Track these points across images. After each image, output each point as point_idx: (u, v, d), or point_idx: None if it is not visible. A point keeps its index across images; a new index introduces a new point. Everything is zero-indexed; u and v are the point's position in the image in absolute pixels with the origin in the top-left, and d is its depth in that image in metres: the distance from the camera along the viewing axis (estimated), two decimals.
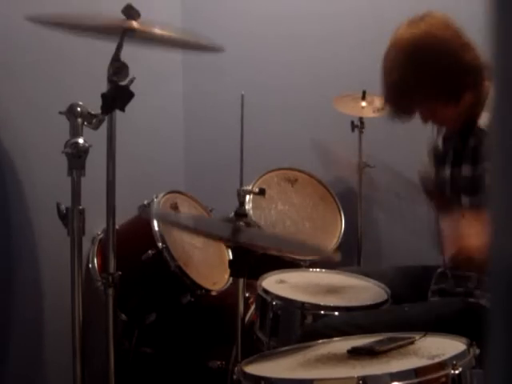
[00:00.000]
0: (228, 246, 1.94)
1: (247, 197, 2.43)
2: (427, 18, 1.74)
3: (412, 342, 1.42)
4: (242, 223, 1.61)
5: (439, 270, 1.93)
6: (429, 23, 1.73)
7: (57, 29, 1.72)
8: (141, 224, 2.34)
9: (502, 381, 0.45)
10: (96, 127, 1.64)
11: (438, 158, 1.95)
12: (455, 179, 1.85)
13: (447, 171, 1.89)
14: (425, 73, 1.72)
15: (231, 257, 1.57)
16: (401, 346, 1.40)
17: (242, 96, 1.70)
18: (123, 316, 2.24)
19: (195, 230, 1.88)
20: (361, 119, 2.84)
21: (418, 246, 2.91)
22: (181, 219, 2.03)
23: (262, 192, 2.03)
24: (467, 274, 1.83)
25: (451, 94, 1.73)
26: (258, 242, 1.59)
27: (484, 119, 1.72)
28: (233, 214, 1.74)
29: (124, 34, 1.61)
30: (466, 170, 1.79)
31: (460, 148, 1.83)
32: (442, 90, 1.74)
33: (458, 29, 1.74)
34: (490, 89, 1.67)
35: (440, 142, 1.95)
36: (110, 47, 1.66)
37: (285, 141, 3.18)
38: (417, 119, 2.04)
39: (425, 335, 1.46)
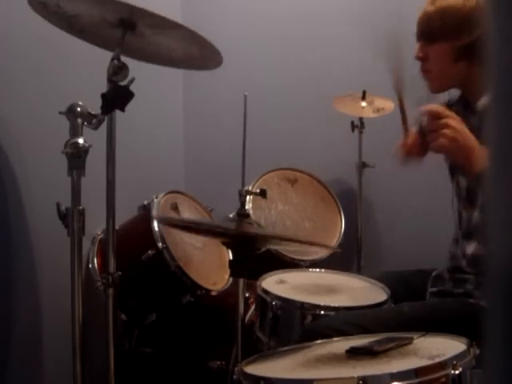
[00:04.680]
0: (228, 246, 1.93)
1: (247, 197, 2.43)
2: None
3: (412, 342, 1.42)
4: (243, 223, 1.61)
5: (435, 273, 1.92)
6: None
7: (57, 22, 1.71)
8: (141, 224, 2.34)
9: (500, 381, 0.45)
10: (96, 127, 1.64)
11: None
12: None
13: None
14: (459, 18, 1.74)
15: (231, 257, 1.57)
16: (400, 346, 1.40)
17: (245, 96, 1.69)
18: (123, 316, 2.24)
19: (198, 230, 1.87)
20: (361, 119, 2.85)
21: (418, 245, 2.92)
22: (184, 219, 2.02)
23: (263, 193, 2.03)
24: (465, 277, 1.83)
25: (460, 49, 1.75)
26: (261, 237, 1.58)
27: (483, 101, 1.71)
28: (234, 214, 1.73)
29: (124, 34, 1.61)
30: None
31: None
32: (458, 41, 1.76)
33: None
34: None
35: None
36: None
37: (284, 141, 3.18)
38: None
39: (425, 335, 1.45)
